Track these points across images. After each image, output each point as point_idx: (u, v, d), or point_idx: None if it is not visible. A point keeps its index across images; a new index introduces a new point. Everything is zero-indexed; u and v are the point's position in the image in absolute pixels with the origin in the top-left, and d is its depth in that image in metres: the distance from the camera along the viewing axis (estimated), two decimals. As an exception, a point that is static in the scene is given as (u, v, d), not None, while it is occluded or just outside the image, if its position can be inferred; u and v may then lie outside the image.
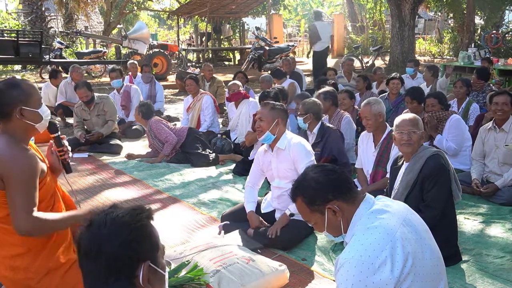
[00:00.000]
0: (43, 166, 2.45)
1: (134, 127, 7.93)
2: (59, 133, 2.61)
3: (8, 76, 10.83)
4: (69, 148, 2.65)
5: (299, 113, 5.03)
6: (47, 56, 13.69)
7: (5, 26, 20.45)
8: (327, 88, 6.16)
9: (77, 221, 2.47)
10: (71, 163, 2.68)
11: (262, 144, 4.07)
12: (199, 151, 6.24)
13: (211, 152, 6.36)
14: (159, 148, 6.34)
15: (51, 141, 2.62)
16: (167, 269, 2.93)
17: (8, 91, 2.38)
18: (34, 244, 2.46)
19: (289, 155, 3.81)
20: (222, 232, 3.94)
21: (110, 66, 16.58)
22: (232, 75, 9.50)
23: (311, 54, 13.70)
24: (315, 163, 3.79)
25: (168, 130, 6.29)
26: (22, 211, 2.28)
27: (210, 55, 19.89)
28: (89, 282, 1.41)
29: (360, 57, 16.86)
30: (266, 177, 4.20)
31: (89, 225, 1.41)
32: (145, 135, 7.91)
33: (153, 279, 1.45)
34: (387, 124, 4.51)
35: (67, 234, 2.61)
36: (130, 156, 6.52)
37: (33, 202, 2.33)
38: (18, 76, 8.94)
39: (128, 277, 1.40)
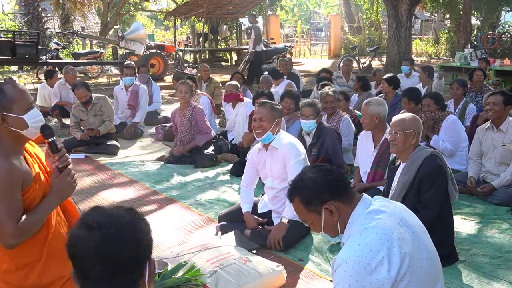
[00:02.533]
0: (29, 174, 2.32)
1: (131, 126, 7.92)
2: (54, 138, 2.43)
3: (4, 77, 10.81)
4: (65, 153, 2.45)
5: (305, 115, 4.87)
6: (44, 56, 13.66)
7: (2, 27, 20.39)
8: (333, 87, 6.18)
9: (55, 205, 2.40)
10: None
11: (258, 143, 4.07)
12: (206, 151, 6.26)
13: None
14: (186, 137, 6.29)
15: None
16: (163, 270, 2.94)
17: None
18: (22, 263, 2.37)
19: (281, 154, 3.83)
20: (219, 232, 3.95)
21: (106, 67, 16.72)
22: (229, 76, 9.50)
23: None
24: (306, 161, 3.81)
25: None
26: (5, 225, 2.18)
27: (207, 56, 19.89)
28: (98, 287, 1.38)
29: (357, 58, 16.88)
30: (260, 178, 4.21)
31: (94, 228, 1.37)
32: (143, 136, 7.93)
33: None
34: (387, 125, 4.51)
35: (62, 245, 2.48)
36: (161, 159, 6.44)
37: (15, 213, 2.23)
38: (14, 77, 8.93)
39: (136, 277, 1.40)
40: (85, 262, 1.37)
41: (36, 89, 9.83)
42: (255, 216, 3.97)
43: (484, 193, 4.63)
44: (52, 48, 15.62)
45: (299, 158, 3.75)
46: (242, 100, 6.75)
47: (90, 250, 1.35)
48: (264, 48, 16.15)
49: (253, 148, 4.15)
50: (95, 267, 1.35)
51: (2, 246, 2.30)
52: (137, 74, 9.45)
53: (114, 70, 17.56)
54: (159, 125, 8.05)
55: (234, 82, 7.03)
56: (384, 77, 7.23)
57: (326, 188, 2.07)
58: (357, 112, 6.51)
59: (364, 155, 4.63)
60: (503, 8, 22.35)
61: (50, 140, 2.40)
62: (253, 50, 13.56)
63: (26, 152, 2.42)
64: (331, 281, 2.89)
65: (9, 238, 2.22)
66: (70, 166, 2.45)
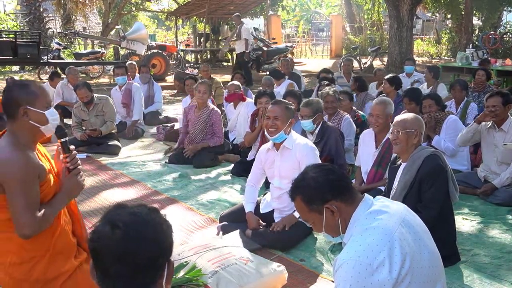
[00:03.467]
0: (44, 169, 2.41)
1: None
2: (67, 138, 2.53)
3: (6, 77, 10.82)
4: (76, 154, 2.55)
5: (301, 115, 4.91)
6: (45, 57, 13.68)
7: (3, 27, 20.42)
8: (333, 87, 6.17)
9: (65, 203, 2.50)
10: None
11: (262, 144, 4.06)
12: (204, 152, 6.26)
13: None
14: (198, 136, 6.26)
15: (58, 146, 2.56)
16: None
17: (15, 91, 2.37)
18: (29, 256, 2.43)
19: (294, 155, 3.80)
20: (221, 233, 3.94)
21: (108, 67, 16.73)
22: (230, 76, 9.49)
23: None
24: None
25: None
26: (24, 215, 2.28)
27: (208, 56, 19.89)
28: (121, 286, 1.37)
29: (358, 58, 16.87)
30: (265, 178, 4.19)
31: (118, 227, 1.36)
32: (144, 136, 7.94)
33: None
34: (390, 124, 4.51)
35: (66, 243, 2.57)
36: (169, 151, 6.50)
37: (33, 205, 2.31)
38: (16, 77, 8.95)
39: (155, 277, 1.40)
40: (106, 260, 1.36)
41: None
42: (257, 217, 3.97)
43: (485, 193, 4.63)
44: (54, 48, 15.64)
45: (317, 160, 3.74)
46: (244, 100, 6.75)
47: (112, 248, 1.35)
48: (265, 49, 16.17)
49: (261, 148, 4.14)
50: (116, 266, 1.35)
51: (12, 238, 2.37)
52: (137, 74, 9.48)
53: (116, 70, 17.55)
54: (160, 125, 8.06)
55: (236, 82, 7.03)
56: (386, 77, 7.23)
57: (327, 188, 2.07)
58: (361, 112, 6.52)
59: (366, 154, 4.63)
60: (505, 8, 22.35)
61: (63, 140, 2.50)
62: (247, 51, 13.47)
63: (38, 151, 2.50)
64: (332, 281, 2.89)
65: (26, 228, 2.30)
66: (79, 167, 2.55)
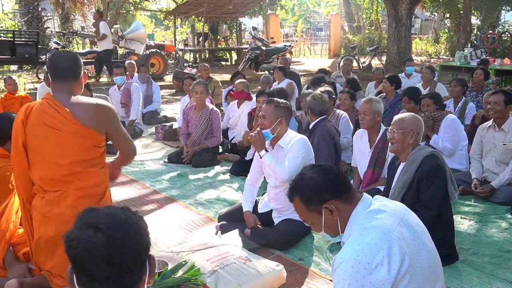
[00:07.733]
0: None
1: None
2: None
3: (4, 76, 10.81)
4: None
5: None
6: (44, 56, 13.65)
7: (1, 27, 20.39)
8: (327, 87, 6.13)
9: None
10: None
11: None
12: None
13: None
14: (201, 137, 6.23)
15: None
16: (163, 269, 2.94)
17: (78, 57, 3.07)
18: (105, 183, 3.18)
19: (287, 153, 3.79)
20: (219, 232, 3.94)
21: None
22: (228, 75, 9.48)
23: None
24: (307, 159, 3.75)
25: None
26: (131, 142, 3.24)
27: (207, 55, 19.89)
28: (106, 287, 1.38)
29: (357, 57, 16.87)
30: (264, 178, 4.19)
31: (100, 229, 1.36)
32: (143, 135, 7.93)
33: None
34: (382, 124, 4.52)
35: None
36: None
37: None
38: (14, 77, 8.96)
39: (140, 275, 1.42)
40: (91, 264, 1.35)
41: (36, 89, 9.83)
42: (255, 216, 3.96)
43: (485, 194, 4.61)
44: (52, 48, 15.58)
45: (298, 154, 3.71)
46: (250, 99, 6.71)
47: (97, 251, 1.35)
48: (264, 48, 16.16)
49: None
50: (103, 268, 1.35)
51: (98, 172, 3.08)
52: (136, 74, 9.47)
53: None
54: (159, 125, 8.04)
55: (244, 81, 7.00)
56: (386, 76, 7.21)
57: (326, 188, 2.07)
58: None
59: (361, 155, 4.63)
60: (503, 8, 22.36)
61: None
62: (106, 49, 13.69)
63: None
64: (331, 280, 2.89)
65: (134, 150, 3.28)
66: None
